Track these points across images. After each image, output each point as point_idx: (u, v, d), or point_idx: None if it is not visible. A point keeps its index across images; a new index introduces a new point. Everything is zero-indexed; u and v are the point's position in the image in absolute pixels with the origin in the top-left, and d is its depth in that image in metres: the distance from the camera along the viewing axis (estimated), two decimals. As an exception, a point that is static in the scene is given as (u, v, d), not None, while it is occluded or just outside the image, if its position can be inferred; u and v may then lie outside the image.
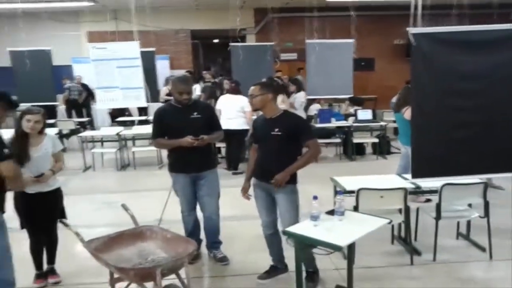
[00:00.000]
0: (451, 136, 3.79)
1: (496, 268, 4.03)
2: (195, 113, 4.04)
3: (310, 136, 3.58)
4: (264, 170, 3.63)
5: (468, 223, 4.49)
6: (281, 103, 7.76)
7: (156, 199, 5.84)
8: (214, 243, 4.27)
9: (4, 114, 2.95)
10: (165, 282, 3.14)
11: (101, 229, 3.98)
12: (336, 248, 2.85)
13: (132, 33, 8.88)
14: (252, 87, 3.62)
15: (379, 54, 14.35)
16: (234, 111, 7.33)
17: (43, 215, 3.73)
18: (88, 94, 11.92)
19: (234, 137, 7.42)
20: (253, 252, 4.34)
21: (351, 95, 9.86)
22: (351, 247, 3.44)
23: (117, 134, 8.28)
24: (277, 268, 3.84)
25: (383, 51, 14.24)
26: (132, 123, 10.14)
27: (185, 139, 3.88)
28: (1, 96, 2.95)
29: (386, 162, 8.26)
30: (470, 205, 4.31)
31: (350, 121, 8.68)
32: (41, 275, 3.84)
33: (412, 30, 3.60)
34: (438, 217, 4.02)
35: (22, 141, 3.64)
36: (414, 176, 3.92)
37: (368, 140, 8.98)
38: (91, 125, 11.66)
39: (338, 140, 8.80)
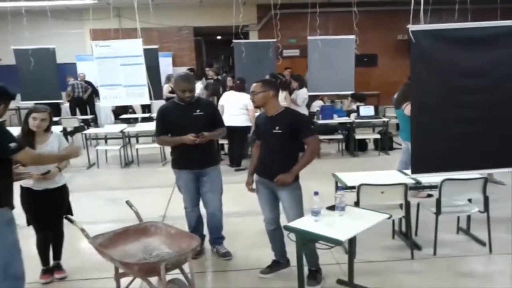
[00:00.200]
0: (451, 132, 3.84)
1: (496, 262, 4.07)
2: (198, 111, 4.09)
3: (309, 133, 3.59)
4: (266, 167, 3.68)
5: (468, 217, 4.53)
6: (283, 100, 7.81)
7: (160, 196, 5.95)
8: (217, 238, 4.33)
9: (5, 109, 2.99)
10: (169, 277, 3.20)
11: (106, 225, 4.05)
12: (336, 242, 2.90)
13: (135, 30, 8.91)
14: (254, 84, 3.65)
15: (382, 50, 14.33)
16: (237, 108, 7.37)
17: (50, 212, 3.79)
18: (93, 90, 11.99)
19: (236, 133, 7.47)
20: (255, 248, 4.39)
21: (353, 92, 9.88)
22: (352, 241, 3.51)
23: (121, 131, 8.35)
24: (279, 263, 3.89)
25: (386, 47, 14.22)
26: (135, 121, 10.22)
27: (187, 136, 3.93)
28: (2, 90, 2.99)
29: (388, 158, 8.29)
30: (470, 200, 4.35)
31: (352, 117, 8.71)
32: (47, 271, 3.91)
33: (411, 27, 3.63)
34: (438, 212, 4.06)
35: (28, 138, 3.69)
36: (414, 171, 3.97)
37: (370, 136, 9.01)
38: (95, 122, 11.75)
39: (340, 137, 8.85)
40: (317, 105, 9.56)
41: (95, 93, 11.74)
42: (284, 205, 3.63)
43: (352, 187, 4.07)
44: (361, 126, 8.91)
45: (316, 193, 3.17)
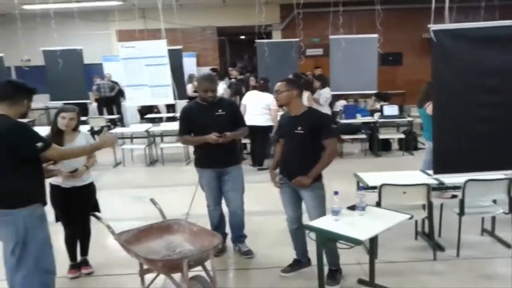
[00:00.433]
0: (473, 132, 3.79)
1: (521, 264, 4.00)
2: (220, 110, 4.15)
3: (329, 134, 3.58)
4: (288, 167, 3.70)
5: (493, 219, 4.46)
6: (306, 100, 7.81)
7: (184, 194, 6.04)
8: (239, 237, 4.38)
9: (29, 104, 3.09)
10: (191, 274, 3.27)
11: (131, 222, 4.14)
12: (356, 242, 2.91)
13: (160, 31, 9.05)
14: (278, 83, 3.67)
15: (407, 49, 14.14)
16: (259, 108, 7.41)
17: (77, 209, 3.91)
18: (119, 90, 12.22)
19: (258, 133, 7.51)
20: (277, 246, 4.43)
21: (376, 91, 9.80)
22: (373, 241, 3.51)
23: (146, 131, 8.50)
24: (301, 262, 3.92)
25: (412, 45, 14.03)
26: (160, 120, 10.38)
27: (210, 135, 4.00)
28: (22, 86, 3.08)
29: (412, 158, 8.20)
30: (495, 201, 4.28)
31: (376, 117, 8.65)
32: (75, 266, 4.03)
33: (433, 27, 3.61)
34: (461, 213, 4.02)
35: (57, 137, 3.82)
36: (436, 172, 3.94)
37: (394, 136, 8.93)
38: (121, 122, 11.97)
39: (363, 136, 8.79)
40: (340, 104, 9.53)
41: (121, 93, 11.97)
42: (307, 204, 3.65)
43: (374, 187, 4.06)
44: (385, 126, 8.85)
45: (336, 193, 3.18)
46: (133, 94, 9.13)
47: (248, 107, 7.48)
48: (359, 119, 8.65)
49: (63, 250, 3.99)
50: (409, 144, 8.62)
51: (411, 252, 4.26)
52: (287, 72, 8.49)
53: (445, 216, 4.47)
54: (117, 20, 13.37)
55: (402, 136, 8.70)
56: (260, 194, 5.90)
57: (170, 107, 11.53)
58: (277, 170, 3.85)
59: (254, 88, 8.00)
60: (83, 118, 9.71)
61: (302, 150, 3.58)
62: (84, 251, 4.11)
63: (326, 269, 3.65)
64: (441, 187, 4.26)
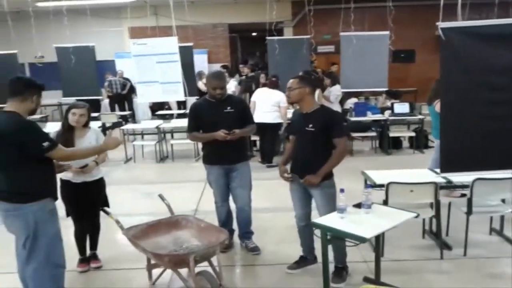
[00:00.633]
0: (481, 130, 3.77)
1: (529, 264, 3.98)
2: (229, 108, 4.18)
3: (340, 133, 3.55)
4: (299, 165, 3.71)
5: (502, 218, 4.44)
6: (316, 97, 7.81)
7: (193, 190, 6.09)
8: (246, 233, 4.41)
9: (38, 100, 3.13)
10: (198, 269, 3.30)
11: (140, 217, 4.19)
12: (361, 239, 2.92)
13: (172, 28, 9.10)
14: (291, 80, 3.65)
15: (420, 46, 14.02)
16: (269, 105, 7.42)
17: (87, 204, 3.97)
18: (131, 86, 12.31)
19: (268, 130, 7.53)
20: (284, 243, 4.45)
21: (387, 88, 9.75)
22: (379, 239, 3.51)
23: (157, 127, 8.57)
24: (307, 259, 3.93)
25: (424, 42, 13.89)
26: (171, 117, 10.44)
27: (218, 132, 4.03)
28: (31, 82, 3.14)
29: (423, 156, 8.14)
30: (503, 200, 4.25)
31: (386, 115, 8.61)
32: (84, 260, 4.10)
33: (441, 24, 3.59)
34: (469, 211, 4.00)
35: (68, 133, 3.89)
36: (443, 170, 3.92)
37: (404, 134, 8.88)
38: (132, 118, 12.06)
39: (373, 134, 8.75)
40: (351, 102, 9.50)
41: (132, 89, 12.06)
42: (317, 202, 3.65)
43: (381, 185, 4.06)
44: (395, 124, 8.80)
45: (342, 190, 3.19)
46: (144, 91, 9.20)
47: (258, 104, 7.49)
48: (370, 116, 8.62)
49: (73, 244, 4.05)
50: (419, 142, 8.56)
51: (418, 250, 4.25)
52: (297, 69, 8.48)
53: (453, 215, 4.45)
54: (129, 17, 13.46)
55: (413, 134, 8.64)
56: (269, 191, 5.93)
57: (181, 104, 11.59)
58: (288, 166, 3.84)
59: (264, 85, 8.00)
60: (95, 115, 9.91)
61: (312, 148, 3.59)
62: (94, 246, 4.17)
63: (332, 267, 3.67)
64: (449, 186, 4.25)
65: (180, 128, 8.69)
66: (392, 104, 8.75)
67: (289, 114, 7.60)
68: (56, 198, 3.18)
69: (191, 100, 8.93)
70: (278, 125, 7.61)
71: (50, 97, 12.24)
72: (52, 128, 4.00)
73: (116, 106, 12.60)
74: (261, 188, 5.76)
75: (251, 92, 8.19)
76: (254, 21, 13.39)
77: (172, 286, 3.73)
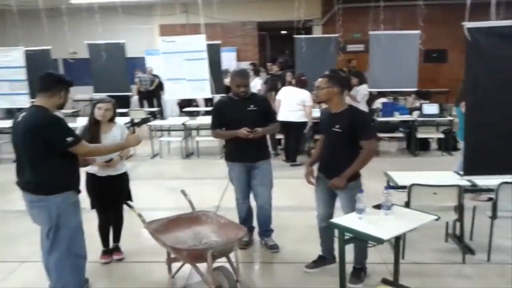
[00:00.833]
0: (507, 132, 3.66)
1: (556, 272, 3.85)
2: (252, 106, 4.20)
3: (367, 135, 3.49)
4: (326, 165, 3.70)
5: (529, 224, 4.31)
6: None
7: (216, 187, 6.11)
8: (265, 231, 4.43)
9: (65, 96, 3.21)
10: (216, 264, 3.35)
11: (163, 212, 4.23)
12: (377, 240, 2.89)
13: (201, 26, 9.20)
14: (320, 79, 3.60)
15: (452, 45, 13.69)
16: (294, 104, 7.41)
17: (111, 197, 4.07)
18: (160, 83, 12.48)
19: (292, 129, 7.52)
20: (304, 242, 4.44)
21: (416, 88, 9.57)
22: (398, 241, 3.47)
23: (183, 124, 8.69)
24: (325, 258, 3.92)
25: (457, 42, 13.51)
26: (198, 114, 10.56)
27: (241, 130, 4.06)
28: (60, 78, 3.23)
29: (451, 159, 7.97)
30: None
31: (414, 115, 8.46)
32: (107, 252, 4.21)
33: (467, 24, 3.51)
34: (494, 216, 3.91)
35: (94, 127, 3.99)
36: (466, 173, 3.84)
37: (433, 135, 8.69)
38: (161, 114, 12.23)
39: (401, 135, 8.62)
40: (379, 102, 9.37)
41: (161, 86, 12.24)
42: (342, 202, 3.64)
43: (403, 187, 4.01)
44: (424, 125, 8.62)
45: (361, 191, 3.18)
46: (172, 88, 9.32)
47: (283, 102, 7.49)
48: (397, 117, 8.49)
49: (97, 236, 4.16)
50: (448, 144, 8.38)
51: (439, 254, 4.18)
52: (324, 68, 8.41)
53: (478, 219, 4.35)
54: (160, 15, 13.67)
55: (442, 135, 8.46)
56: (291, 190, 5.93)
57: (208, 101, 11.69)
58: (315, 167, 3.83)
59: (290, 83, 7.99)
60: (124, 110, 10.11)
61: (339, 148, 3.56)
62: (116, 238, 4.27)
63: (351, 267, 3.66)
64: (474, 189, 4.15)
65: (206, 125, 8.77)
66: (421, 104, 8.59)
67: (314, 114, 7.59)
68: (79, 191, 3.26)
69: (218, 98, 9.01)
70: (303, 124, 7.58)
71: (82, 93, 12.60)
72: (82, 122, 4.14)
73: (145, 103, 12.81)
74: (284, 187, 5.79)
75: (276, 91, 8.19)
76: (283, 19, 13.38)
77: (191, 280, 3.78)
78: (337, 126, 3.51)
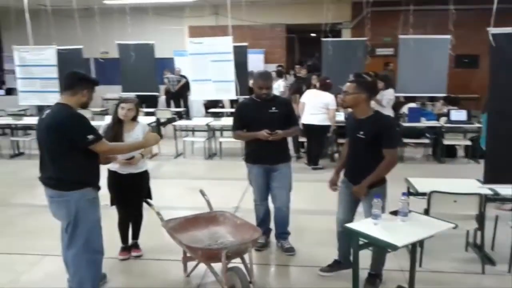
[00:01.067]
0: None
1: None
2: (273, 108, 4.22)
3: (390, 144, 3.44)
4: (350, 171, 3.70)
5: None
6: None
7: (236, 188, 6.19)
8: (282, 233, 4.43)
9: (89, 94, 3.27)
10: (231, 265, 3.37)
11: (183, 211, 4.29)
12: (391, 247, 2.86)
13: (231, 27, 9.28)
14: (348, 84, 3.54)
15: (484, 51, 13.27)
16: (317, 107, 7.38)
17: (131, 194, 4.15)
18: (187, 83, 12.63)
19: (315, 132, 7.50)
20: (321, 247, 4.42)
21: (445, 94, 9.38)
22: (415, 248, 3.42)
23: (207, 124, 8.77)
24: (340, 263, 3.90)
25: (489, 47, 13.23)
26: (222, 115, 10.64)
27: (261, 132, 4.08)
28: (83, 77, 3.30)
29: (477, 167, 7.74)
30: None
31: (442, 122, 8.30)
32: (125, 248, 4.29)
33: (492, 30, 3.44)
34: (516, 226, 3.81)
35: (117, 126, 4.08)
36: (486, 181, 3.75)
37: (460, 142, 8.50)
38: (187, 115, 12.38)
39: (427, 141, 8.46)
40: (407, 107, 9.22)
41: (188, 87, 12.38)
42: (364, 208, 3.61)
43: (423, 194, 3.95)
44: (451, 131, 8.44)
45: (377, 196, 3.15)
46: (198, 88, 9.44)
47: (307, 105, 7.47)
48: (424, 122, 8.34)
49: (116, 233, 4.25)
50: (475, 152, 8.17)
51: (458, 263, 4.09)
52: (351, 71, 8.34)
53: (500, 229, 4.24)
54: (190, 17, 13.86)
55: (469, 143, 8.26)
56: (311, 193, 5.91)
57: (234, 102, 11.76)
58: (342, 174, 3.81)
59: (315, 86, 7.97)
60: (151, 110, 10.29)
61: (362, 155, 3.54)
62: (135, 235, 4.35)
63: (366, 273, 3.63)
64: (496, 198, 4.04)
65: (230, 126, 8.79)
66: (449, 110, 8.42)
67: (338, 117, 7.55)
68: (98, 188, 3.33)
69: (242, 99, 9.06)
70: (326, 127, 7.54)
71: (112, 92, 12.87)
72: (108, 121, 4.29)
73: (172, 103, 12.99)
74: (304, 190, 5.78)
75: (301, 94, 8.17)
76: (312, 22, 13.36)
77: (206, 279, 3.82)
78: (361, 133, 3.48)
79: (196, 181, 6.83)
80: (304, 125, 7.40)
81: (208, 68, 9.19)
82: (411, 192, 4.17)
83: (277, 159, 4.30)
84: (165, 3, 12.91)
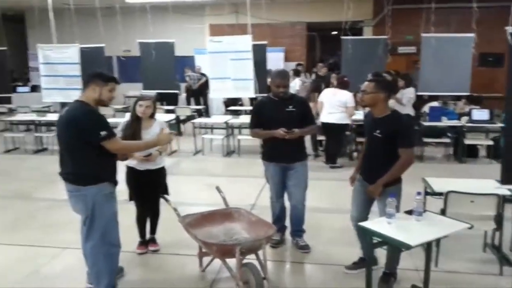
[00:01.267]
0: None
1: None
2: (291, 107, 4.24)
3: (405, 144, 3.42)
4: (366, 169, 3.70)
5: None
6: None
7: (254, 185, 6.23)
8: (297, 231, 4.45)
9: (102, 91, 3.27)
10: (245, 261, 3.41)
11: (199, 207, 4.33)
12: (404, 246, 2.85)
13: (252, 26, 9.31)
14: (366, 83, 3.52)
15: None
16: (335, 105, 7.35)
17: (148, 190, 4.22)
18: (206, 82, 12.72)
19: (333, 131, 7.48)
20: (336, 245, 4.44)
21: (468, 93, 9.23)
22: (430, 248, 3.40)
23: (225, 122, 8.84)
24: (365, 260, 3.85)
25: (515, 45, 12.95)
26: (241, 113, 10.70)
27: (278, 130, 4.10)
28: (96, 74, 3.32)
29: (499, 167, 7.61)
30: None
31: (463, 121, 8.17)
32: (143, 243, 4.37)
33: (510, 29, 3.38)
34: (535, 228, 3.75)
35: (135, 123, 4.16)
36: (504, 181, 3.70)
37: (481, 142, 8.35)
38: (206, 112, 12.48)
39: (448, 140, 8.34)
40: (429, 106, 9.10)
41: (207, 85, 12.47)
42: (379, 207, 3.60)
43: (440, 194, 3.92)
44: (472, 131, 8.30)
45: (392, 195, 3.14)
46: (217, 87, 9.50)
47: (325, 104, 7.46)
48: (445, 122, 8.23)
49: (134, 228, 4.33)
50: (497, 152, 8.00)
51: (475, 264, 4.04)
52: (371, 70, 8.26)
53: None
54: (211, 15, 13.94)
55: (491, 143, 8.11)
56: (328, 192, 5.91)
57: (253, 101, 11.80)
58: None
59: (332, 85, 7.95)
60: (171, 108, 10.41)
61: (379, 154, 3.53)
62: (153, 230, 4.42)
63: (381, 272, 3.63)
64: (512, 199, 3.98)
65: (248, 124, 8.87)
66: (471, 110, 8.29)
67: (356, 116, 7.51)
68: (114, 183, 3.40)
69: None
70: (344, 125, 7.51)
71: (134, 90, 13.06)
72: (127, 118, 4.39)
73: (192, 100, 13.09)
74: (321, 188, 5.79)
75: (320, 92, 8.15)
76: (333, 20, 13.28)
77: (220, 275, 3.87)
78: (378, 131, 3.48)
79: (214, 178, 6.90)
80: (322, 123, 7.38)
81: (227, 66, 9.25)
82: (428, 192, 4.15)
83: (294, 157, 4.31)
84: (185, 2, 13.03)
